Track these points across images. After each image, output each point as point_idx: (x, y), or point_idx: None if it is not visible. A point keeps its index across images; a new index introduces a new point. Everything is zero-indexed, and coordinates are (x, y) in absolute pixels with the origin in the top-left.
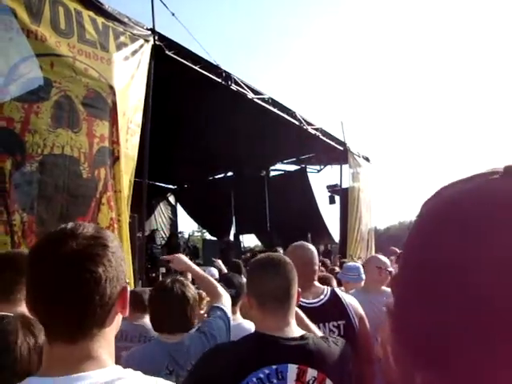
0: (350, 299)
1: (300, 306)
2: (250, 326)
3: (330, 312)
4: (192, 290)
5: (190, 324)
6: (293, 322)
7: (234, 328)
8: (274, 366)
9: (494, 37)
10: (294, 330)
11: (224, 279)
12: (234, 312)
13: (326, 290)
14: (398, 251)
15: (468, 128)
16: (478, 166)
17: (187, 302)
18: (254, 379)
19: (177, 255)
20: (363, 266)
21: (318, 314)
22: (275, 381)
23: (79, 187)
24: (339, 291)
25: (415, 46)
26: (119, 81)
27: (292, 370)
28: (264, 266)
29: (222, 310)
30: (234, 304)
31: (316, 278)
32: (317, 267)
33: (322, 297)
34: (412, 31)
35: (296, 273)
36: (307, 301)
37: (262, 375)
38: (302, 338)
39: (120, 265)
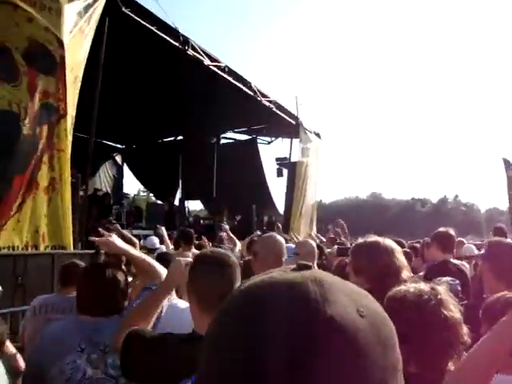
0: None
1: None
2: (184, 307)
3: None
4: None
5: (117, 309)
6: None
7: (167, 307)
8: None
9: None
10: None
11: (161, 258)
12: None
13: None
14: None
15: (418, 106)
16: (426, 145)
17: (116, 286)
18: None
19: (108, 238)
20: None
21: None
22: None
23: (19, 144)
24: None
25: (369, 24)
26: (69, 35)
27: None
28: (208, 267)
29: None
30: None
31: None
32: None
33: None
34: (369, 10)
35: (240, 273)
36: None
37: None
38: None
39: None
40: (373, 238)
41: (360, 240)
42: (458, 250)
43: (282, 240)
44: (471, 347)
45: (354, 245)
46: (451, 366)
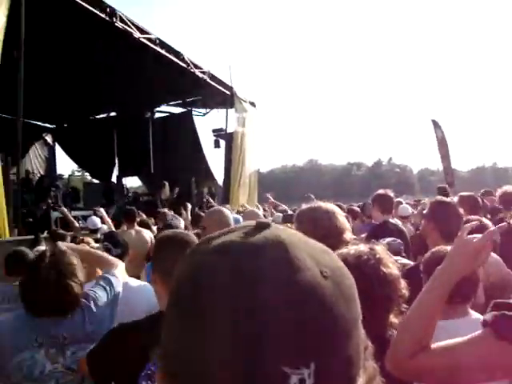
0: None
1: None
2: (136, 284)
3: None
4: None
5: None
6: None
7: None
8: None
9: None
10: None
11: (109, 238)
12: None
13: None
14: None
15: (351, 71)
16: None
17: (64, 289)
18: (152, 369)
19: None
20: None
21: None
22: None
23: None
24: None
25: None
26: None
27: None
28: (172, 245)
29: (105, 278)
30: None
31: None
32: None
33: None
34: None
35: None
36: None
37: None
38: None
39: None
40: (315, 203)
41: (303, 206)
42: (395, 210)
43: (228, 212)
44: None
45: (298, 211)
46: (393, 319)
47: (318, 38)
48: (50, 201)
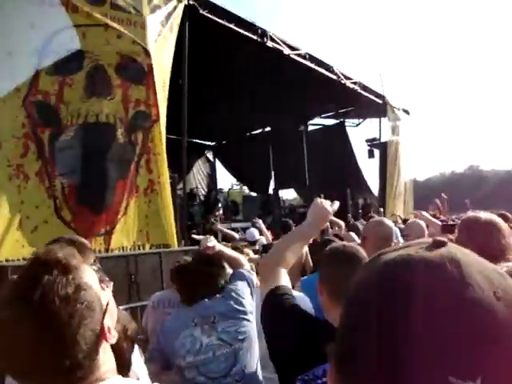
0: None
1: None
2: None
3: None
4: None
5: (215, 291)
6: None
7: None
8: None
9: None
10: None
11: (267, 250)
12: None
13: None
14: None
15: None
16: None
17: (211, 278)
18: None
19: (207, 244)
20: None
21: None
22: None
23: (117, 152)
24: None
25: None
26: (154, 44)
27: None
28: (340, 261)
29: (239, 272)
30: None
31: None
32: (393, 243)
33: None
34: None
35: None
36: None
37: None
38: None
39: None
40: (475, 213)
41: (469, 215)
42: None
43: (390, 223)
44: None
45: (465, 219)
46: None
47: (473, 40)
48: (217, 213)
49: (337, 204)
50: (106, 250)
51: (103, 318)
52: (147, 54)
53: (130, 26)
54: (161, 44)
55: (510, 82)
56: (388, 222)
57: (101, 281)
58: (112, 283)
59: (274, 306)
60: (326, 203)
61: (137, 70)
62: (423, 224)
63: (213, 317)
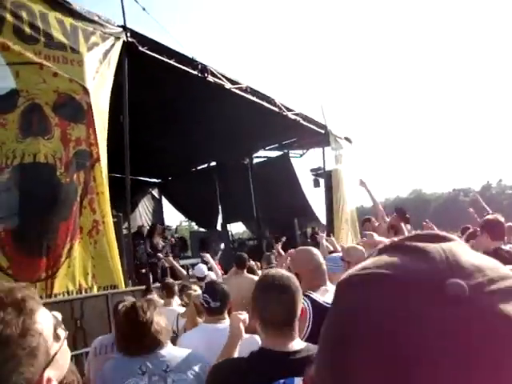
0: None
1: (322, 307)
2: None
3: None
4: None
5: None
6: (296, 335)
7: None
8: (282, 381)
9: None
10: (297, 343)
11: (209, 290)
12: (220, 319)
13: None
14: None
15: (446, 98)
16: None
17: (149, 327)
18: None
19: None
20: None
21: None
22: None
23: (58, 193)
24: None
25: (394, 26)
26: (92, 81)
27: (298, 383)
28: (268, 291)
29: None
30: (220, 313)
31: (327, 278)
32: (325, 267)
33: None
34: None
35: (300, 291)
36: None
37: None
38: (305, 350)
39: None
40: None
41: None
42: (508, 236)
43: (316, 250)
44: None
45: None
46: None
47: (410, 66)
48: (165, 250)
49: (283, 240)
50: (50, 296)
51: (45, 368)
52: (86, 91)
53: (66, 65)
54: (99, 82)
55: (445, 107)
56: (314, 249)
57: (55, 329)
58: (67, 332)
59: None
60: (242, 315)
61: (76, 109)
62: (363, 248)
63: (165, 365)
